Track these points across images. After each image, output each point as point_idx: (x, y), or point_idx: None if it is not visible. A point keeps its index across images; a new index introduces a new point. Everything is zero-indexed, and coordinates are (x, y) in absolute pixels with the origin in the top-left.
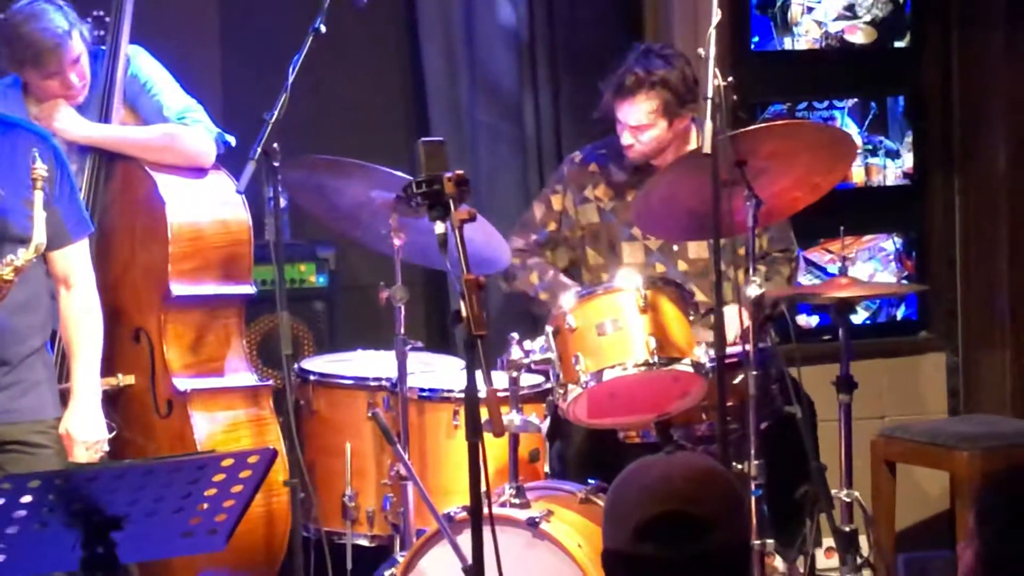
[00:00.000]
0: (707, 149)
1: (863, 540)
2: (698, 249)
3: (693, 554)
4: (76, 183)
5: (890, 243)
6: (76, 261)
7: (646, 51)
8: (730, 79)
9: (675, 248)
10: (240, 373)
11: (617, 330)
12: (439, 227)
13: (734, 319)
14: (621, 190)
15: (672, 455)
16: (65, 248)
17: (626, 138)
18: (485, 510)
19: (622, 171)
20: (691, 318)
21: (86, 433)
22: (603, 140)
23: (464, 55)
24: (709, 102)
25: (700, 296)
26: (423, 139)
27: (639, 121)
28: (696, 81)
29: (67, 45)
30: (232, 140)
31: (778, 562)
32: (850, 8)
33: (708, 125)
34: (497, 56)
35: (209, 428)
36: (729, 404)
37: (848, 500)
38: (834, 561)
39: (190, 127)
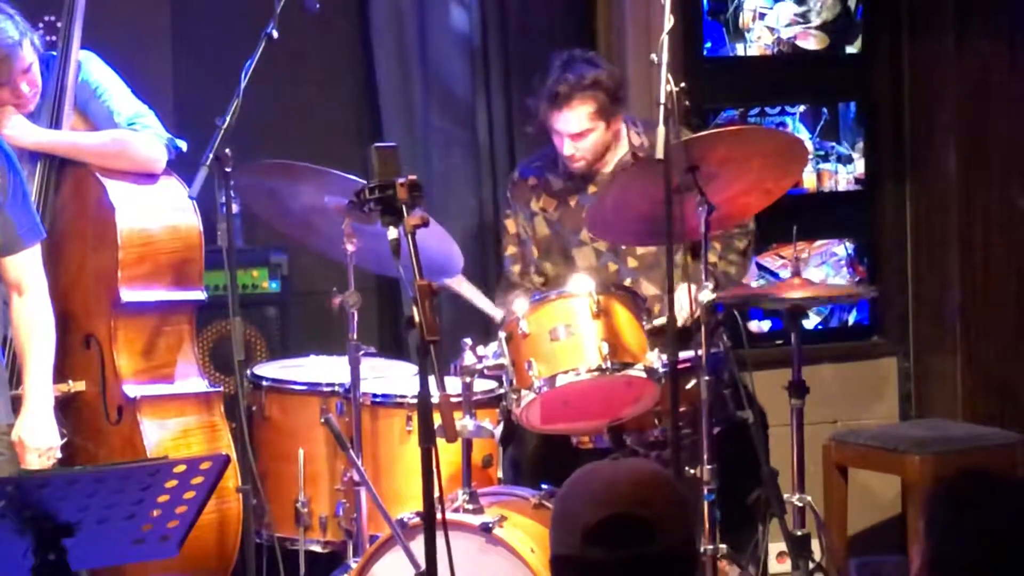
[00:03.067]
0: (660, 155)
1: (815, 544)
2: None
3: (640, 556)
4: (29, 189)
5: (842, 248)
6: (28, 267)
7: (570, 59)
8: (682, 85)
9: (623, 246)
10: (191, 379)
11: (570, 335)
12: (392, 233)
13: (684, 300)
14: (563, 197)
15: (617, 461)
16: (17, 254)
17: (567, 148)
18: (438, 516)
19: (559, 178)
20: (644, 323)
21: (38, 440)
22: (536, 154)
23: (417, 60)
24: (662, 108)
25: (651, 289)
26: (376, 144)
27: (578, 127)
28: (623, 81)
29: (18, 55)
30: (183, 145)
31: (730, 567)
32: (802, 14)
33: (661, 131)
34: (450, 62)
35: (159, 435)
36: (682, 409)
37: (800, 504)
38: (786, 566)
39: (140, 133)
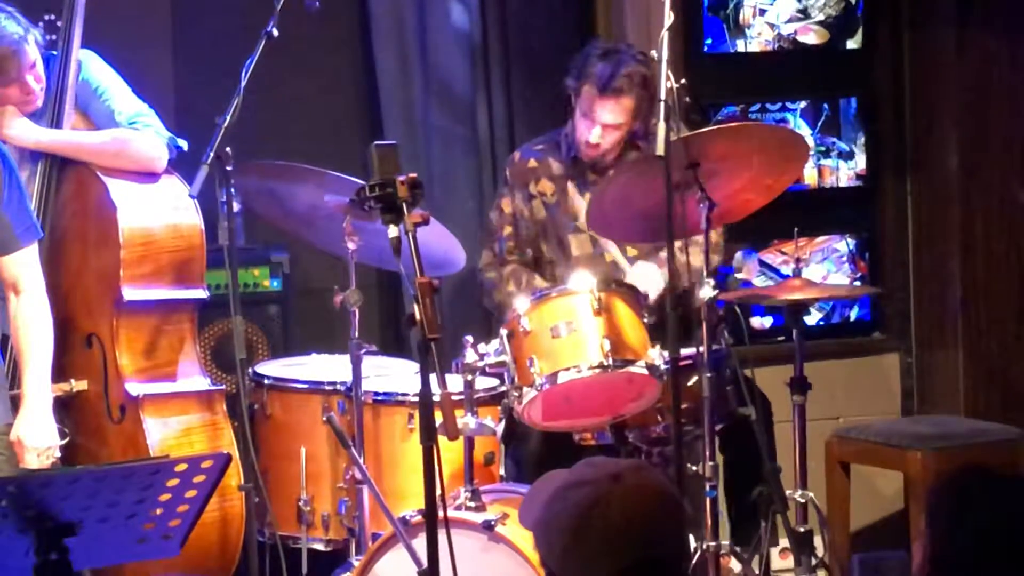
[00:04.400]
0: (660, 151)
1: (818, 540)
2: None
3: None
4: (25, 188)
5: (843, 244)
6: (25, 267)
7: (617, 50)
8: (683, 81)
9: None
10: (193, 377)
11: (571, 332)
12: (392, 231)
13: (655, 275)
14: (562, 182)
15: (618, 478)
16: (14, 254)
17: (594, 136)
18: (440, 513)
19: (560, 164)
20: (645, 320)
21: (37, 439)
22: (539, 137)
23: (417, 58)
24: (662, 104)
25: None
26: (376, 142)
27: (618, 120)
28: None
29: (24, 51)
30: (184, 144)
31: (733, 563)
32: (802, 10)
33: (661, 127)
34: (450, 59)
35: (162, 433)
36: (684, 406)
37: (803, 501)
38: (789, 562)
39: (141, 132)
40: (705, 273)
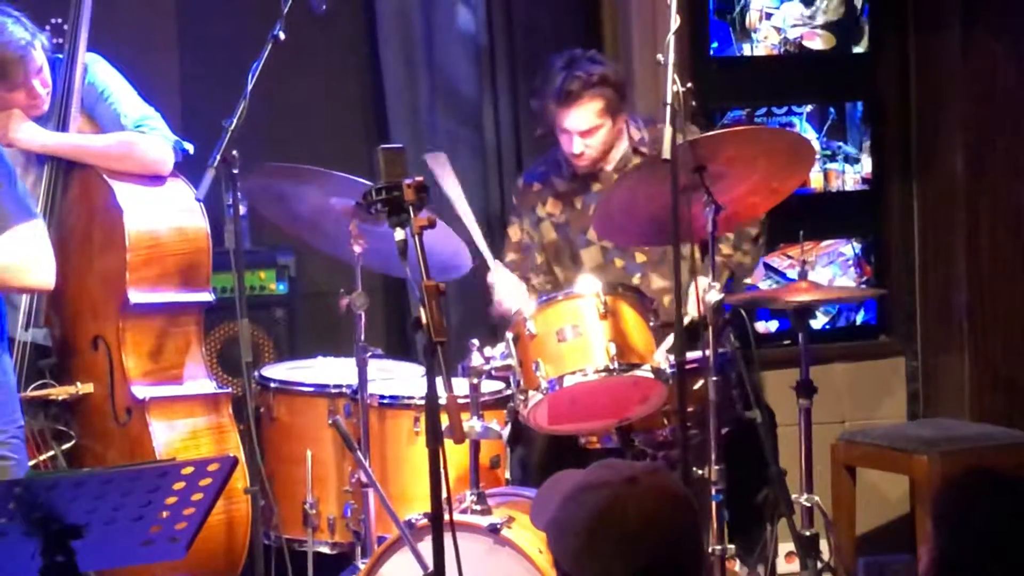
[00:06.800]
0: (666, 155)
1: (823, 544)
2: None
3: None
4: (18, 183)
5: (849, 248)
6: (27, 242)
7: (573, 58)
8: (689, 85)
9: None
10: (199, 380)
11: (577, 336)
12: (399, 234)
13: (694, 298)
14: (569, 199)
15: (634, 481)
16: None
17: (576, 146)
18: (446, 517)
19: (564, 180)
20: (651, 324)
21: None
22: (540, 159)
23: (423, 61)
24: (668, 108)
25: (660, 283)
26: (383, 146)
27: (588, 124)
28: (627, 78)
29: (31, 56)
30: (191, 148)
31: (739, 567)
32: (808, 15)
33: (667, 131)
34: (456, 62)
35: (168, 436)
36: (689, 410)
37: (808, 504)
38: (795, 566)
39: (147, 135)
40: (713, 273)
